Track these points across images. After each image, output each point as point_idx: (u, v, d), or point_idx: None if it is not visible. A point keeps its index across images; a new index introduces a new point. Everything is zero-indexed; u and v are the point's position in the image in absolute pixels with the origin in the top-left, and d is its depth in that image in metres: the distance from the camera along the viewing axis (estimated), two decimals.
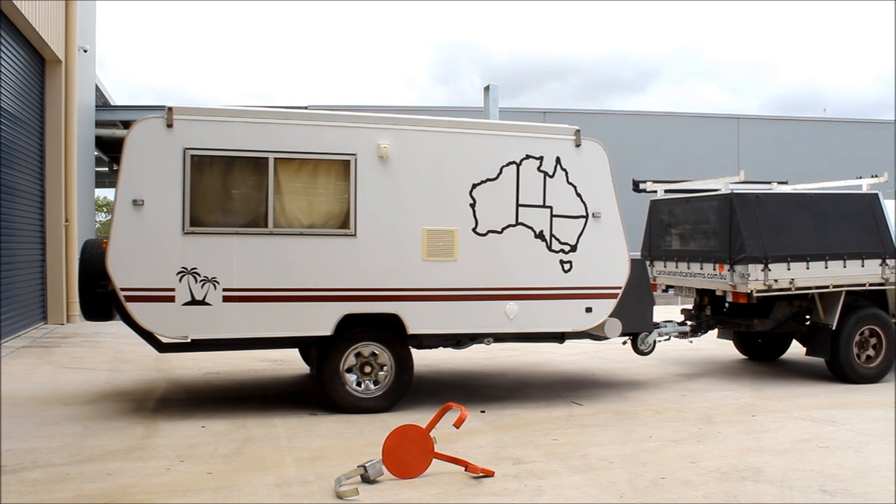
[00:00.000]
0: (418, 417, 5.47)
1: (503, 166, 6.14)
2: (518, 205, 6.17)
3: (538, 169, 6.22)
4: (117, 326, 12.29)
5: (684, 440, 5.29)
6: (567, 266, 6.27)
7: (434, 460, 4.39)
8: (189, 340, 5.64)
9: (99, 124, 17.65)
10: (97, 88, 17.14)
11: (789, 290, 7.28)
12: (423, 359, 8.78)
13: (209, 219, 5.61)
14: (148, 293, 5.46)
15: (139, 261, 5.44)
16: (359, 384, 5.94)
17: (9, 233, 10.04)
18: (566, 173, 6.28)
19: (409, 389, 6.12)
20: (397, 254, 5.91)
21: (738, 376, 7.84)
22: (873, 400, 6.73)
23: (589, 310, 6.31)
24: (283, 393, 6.77)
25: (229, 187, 5.73)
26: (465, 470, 4.41)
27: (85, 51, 13.42)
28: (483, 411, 6.07)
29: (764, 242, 7.21)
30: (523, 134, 6.24)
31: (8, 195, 9.96)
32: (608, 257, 6.35)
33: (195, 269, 5.54)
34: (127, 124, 20.33)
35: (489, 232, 6.10)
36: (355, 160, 5.83)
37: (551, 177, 6.25)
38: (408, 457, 4.34)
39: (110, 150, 24.33)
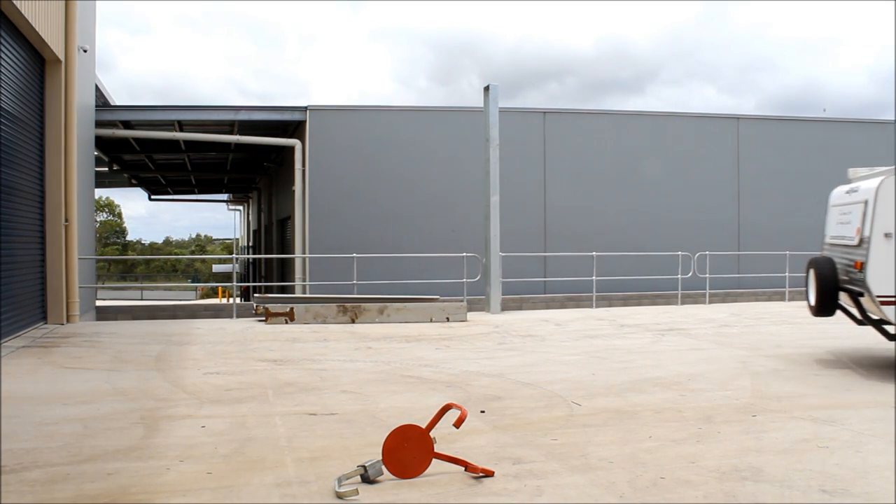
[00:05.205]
0: (418, 417, 5.47)
1: None
2: None
3: None
4: (117, 326, 12.32)
5: (684, 440, 5.30)
6: None
7: (434, 460, 4.39)
8: None
9: (99, 124, 17.65)
10: (97, 88, 17.14)
11: None
12: (422, 359, 8.79)
13: None
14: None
15: (891, 276, 7.61)
16: None
17: (9, 233, 10.04)
18: None
19: None
20: None
21: (739, 376, 7.85)
22: (873, 400, 6.74)
23: None
24: (282, 393, 6.77)
25: None
26: (465, 470, 4.41)
27: (85, 51, 13.42)
28: (483, 411, 6.08)
29: None
30: None
31: (8, 195, 9.96)
32: None
33: None
34: (127, 124, 20.37)
35: None
36: None
37: None
38: (408, 457, 4.34)
39: (110, 149, 24.36)
